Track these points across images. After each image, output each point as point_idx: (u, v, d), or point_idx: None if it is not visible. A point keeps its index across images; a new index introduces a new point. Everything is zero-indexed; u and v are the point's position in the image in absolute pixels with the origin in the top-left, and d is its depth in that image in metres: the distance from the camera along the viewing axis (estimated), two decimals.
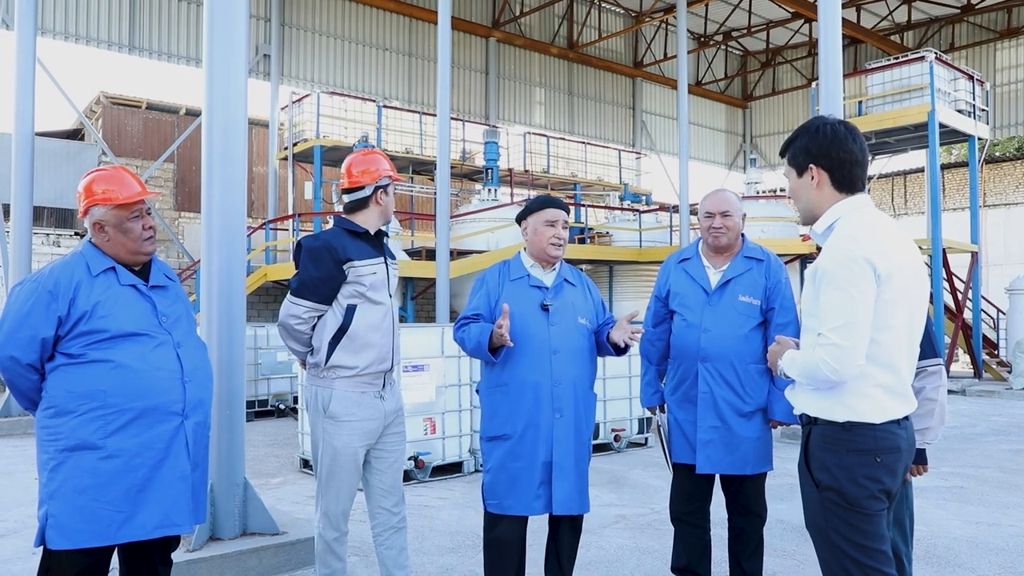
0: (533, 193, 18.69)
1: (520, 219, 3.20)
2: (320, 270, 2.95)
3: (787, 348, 2.27)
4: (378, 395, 3.08)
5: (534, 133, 19.13)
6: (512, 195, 17.25)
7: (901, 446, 2.10)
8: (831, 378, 2.03)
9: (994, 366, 14.56)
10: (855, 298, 2.00)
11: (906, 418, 2.14)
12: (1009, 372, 13.11)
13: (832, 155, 2.18)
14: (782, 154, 2.33)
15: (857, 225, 2.10)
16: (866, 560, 2.04)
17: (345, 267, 2.96)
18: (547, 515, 3.15)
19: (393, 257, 3.23)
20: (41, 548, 2.44)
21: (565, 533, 3.17)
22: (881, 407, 2.07)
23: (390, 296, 3.12)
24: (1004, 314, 14.36)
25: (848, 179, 2.19)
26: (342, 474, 3.01)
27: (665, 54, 23.30)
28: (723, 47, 25.33)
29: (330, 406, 2.99)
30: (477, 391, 3.20)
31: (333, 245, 2.96)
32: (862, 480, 2.05)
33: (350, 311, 2.98)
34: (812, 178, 2.20)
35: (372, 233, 3.11)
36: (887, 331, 2.05)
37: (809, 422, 2.16)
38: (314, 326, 3.04)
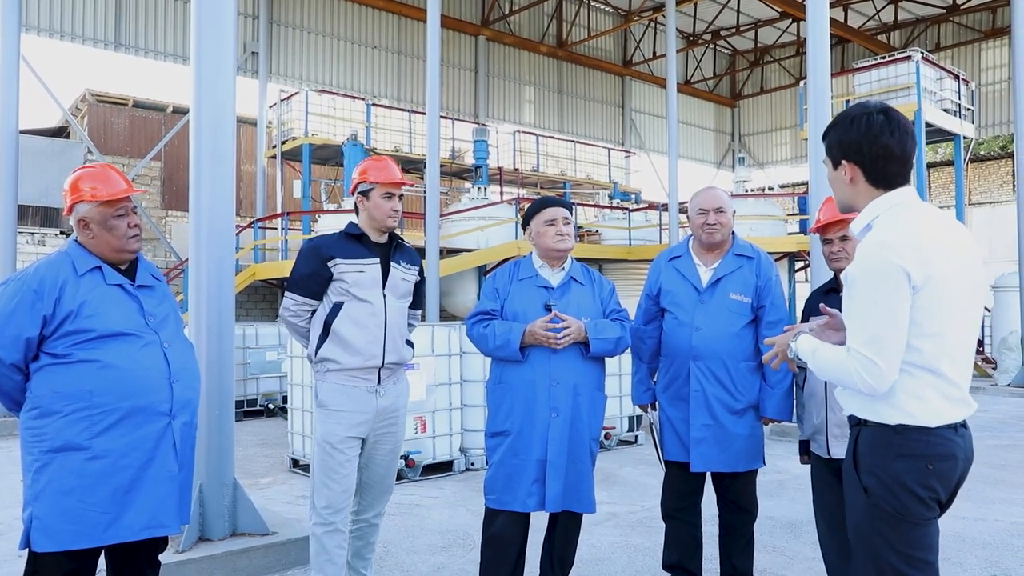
0: (523, 192, 18.69)
1: (525, 225, 3.31)
2: (307, 267, 3.15)
3: (788, 337, 2.21)
4: (372, 390, 3.14)
5: (523, 131, 19.13)
6: (502, 193, 17.24)
7: (957, 454, 1.96)
8: (864, 392, 1.95)
9: (979, 363, 14.69)
10: (888, 311, 1.89)
11: (964, 426, 2.00)
12: (994, 369, 13.23)
13: (864, 150, 2.01)
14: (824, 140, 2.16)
15: (893, 228, 1.95)
16: (908, 570, 1.93)
17: (329, 264, 3.10)
18: (548, 516, 3.16)
19: (409, 263, 3.28)
20: (26, 551, 2.41)
21: (560, 532, 3.19)
22: (935, 411, 1.94)
23: (384, 296, 3.15)
24: (989, 311, 14.48)
25: (883, 175, 2.02)
26: (329, 462, 3.09)
27: (654, 53, 23.35)
28: (712, 46, 25.40)
29: (320, 395, 3.14)
30: (487, 387, 3.28)
31: (321, 244, 3.16)
32: (913, 487, 1.92)
33: (336, 307, 3.11)
34: (845, 173, 2.06)
35: (370, 236, 3.19)
36: (928, 338, 1.92)
37: (858, 423, 2.04)
38: (310, 320, 3.20)
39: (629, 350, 3.38)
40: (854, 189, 2.07)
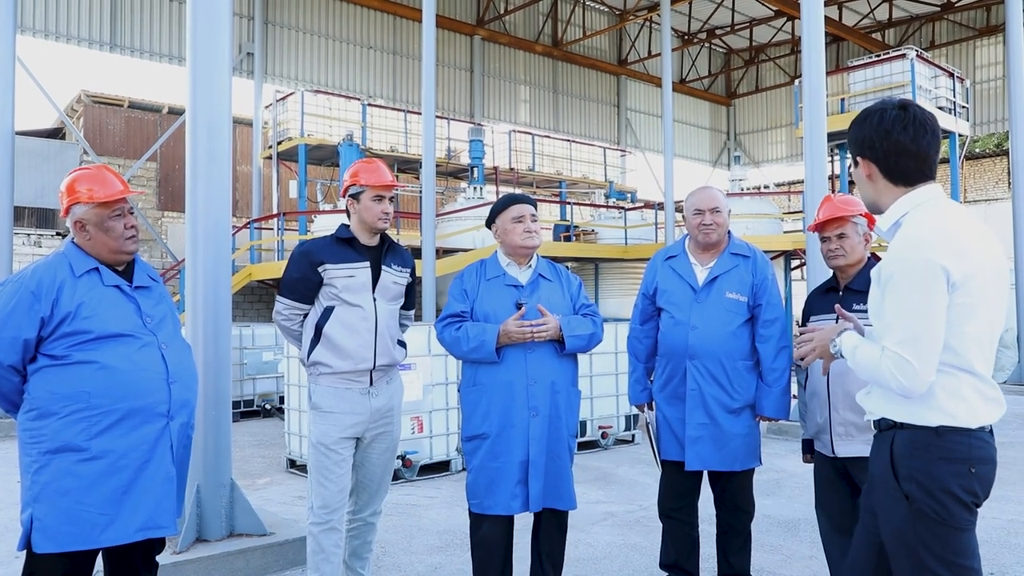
0: (518, 191, 18.69)
1: (489, 224, 3.27)
2: (297, 271, 3.15)
3: (831, 333, 2.13)
4: (364, 392, 3.14)
5: (519, 131, 19.14)
6: (497, 193, 17.24)
7: (994, 457, 1.92)
8: (899, 393, 1.89)
9: None
10: (926, 310, 1.84)
11: (991, 428, 1.96)
12: None
13: (877, 146, 1.99)
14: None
15: (928, 225, 1.89)
16: None
17: (319, 269, 3.11)
18: (533, 515, 3.15)
19: (400, 265, 3.26)
20: (24, 552, 2.41)
21: (546, 531, 3.18)
22: (975, 412, 1.89)
23: (374, 300, 3.15)
24: None
25: (899, 171, 1.98)
26: (324, 462, 3.10)
27: (649, 52, 23.37)
28: (707, 45, 25.43)
29: (314, 398, 3.15)
30: (459, 390, 3.25)
31: (311, 249, 3.16)
32: (957, 491, 1.85)
33: (327, 312, 3.12)
34: (863, 170, 2.04)
35: (361, 239, 3.18)
36: (965, 338, 1.88)
37: (892, 427, 1.97)
38: (302, 323, 3.21)
39: (627, 349, 3.37)
40: (874, 186, 2.04)
